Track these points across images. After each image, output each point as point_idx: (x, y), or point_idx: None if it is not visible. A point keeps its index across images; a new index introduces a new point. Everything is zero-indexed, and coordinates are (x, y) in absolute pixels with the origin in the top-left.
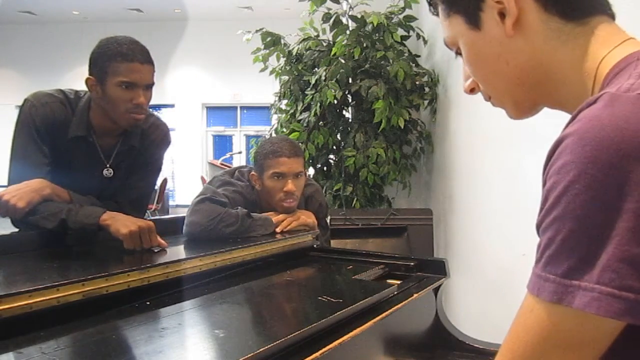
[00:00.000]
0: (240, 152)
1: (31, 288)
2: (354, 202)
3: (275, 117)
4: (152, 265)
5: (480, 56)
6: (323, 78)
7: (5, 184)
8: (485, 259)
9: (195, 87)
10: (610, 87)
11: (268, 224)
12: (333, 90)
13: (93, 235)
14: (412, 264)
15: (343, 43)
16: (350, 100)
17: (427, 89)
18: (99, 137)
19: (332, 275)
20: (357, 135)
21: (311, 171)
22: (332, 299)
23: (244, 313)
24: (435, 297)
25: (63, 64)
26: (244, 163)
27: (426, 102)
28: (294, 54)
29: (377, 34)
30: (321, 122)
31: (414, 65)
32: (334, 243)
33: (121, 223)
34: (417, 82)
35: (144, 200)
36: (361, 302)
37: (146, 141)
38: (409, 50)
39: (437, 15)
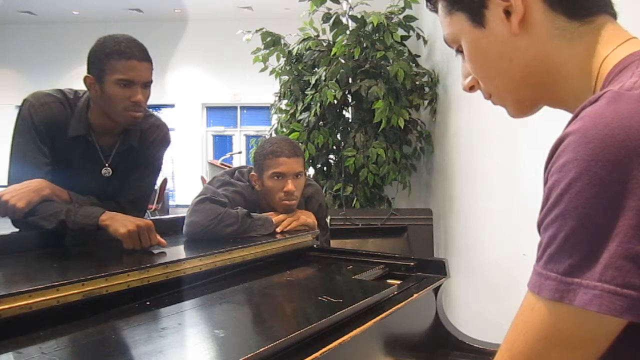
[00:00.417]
0: (240, 152)
1: (31, 288)
2: (354, 202)
3: (275, 117)
4: (152, 265)
5: (483, 54)
6: (323, 78)
7: (5, 184)
8: (485, 259)
9: (195, 87)
10: (613, 85)
11: (268, 224)
12: (333, 90)
13: (93, 236)
14: (412, 264)
15: (343, 43)
16: (350, 100)
17: (427, 89)
18: (98, 137)
19: (332, 275)
20: (357, 135)
21: (311, 171)
22: (332, 299)
23: (244, 313)
24: (435, 297)
25: (63, 64)
26: (244, 163)
27: (426, 102)
28: (294, 54)
29: (377, 34)
30: (321, 122)
31: (414, 65)
32: (334, 243)
33: (120, 223)
34: (417, 82)
35: (144, 200)
36: (361, 302)
37: (146, 141)
38: (409, 50)
39: (435, 11)
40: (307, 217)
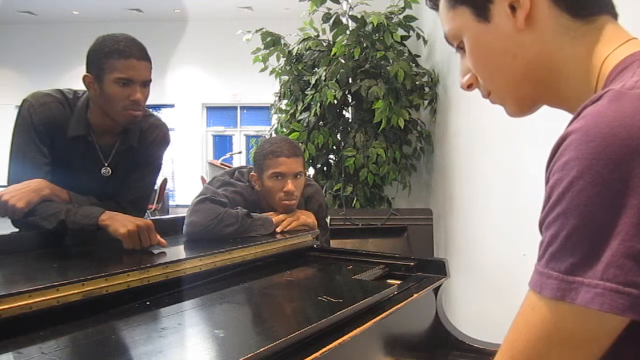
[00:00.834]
0: (240, 152)
1: (31, 288)
2: (354, 202)
3: (275, 117)
4: (151, 265)
5: (486, 49)
6: (323, 78)
7: (5, 184)
8: (485, 259)
9: (195, 87)
10: (614, 85)
11: (268, 224)
12: (333, 90)
13: (92, 236)
14: (412, 264)
15: (343, 43)
16: (350, 100)
17: (427, 89)
18: (97, 136)
19: (332, 275)
20: (357, 135)
21: (311, 171)
22: (332, 299)
23: (244, 313)
24: (435, 297)
25: (63, 64)
26: (244, 163)
27: (426, 102)
28: (294, 54)
29: (377, 34)
30: (321, 122)
31: (414, 65)
32: (334, 243)
33: (120, 223)
34: (417, 82)
35: (144, 200)
36: (361, 302)
37: (146, 141)
38: (409, 50)
39: (436, 8)
40: (307, 217)
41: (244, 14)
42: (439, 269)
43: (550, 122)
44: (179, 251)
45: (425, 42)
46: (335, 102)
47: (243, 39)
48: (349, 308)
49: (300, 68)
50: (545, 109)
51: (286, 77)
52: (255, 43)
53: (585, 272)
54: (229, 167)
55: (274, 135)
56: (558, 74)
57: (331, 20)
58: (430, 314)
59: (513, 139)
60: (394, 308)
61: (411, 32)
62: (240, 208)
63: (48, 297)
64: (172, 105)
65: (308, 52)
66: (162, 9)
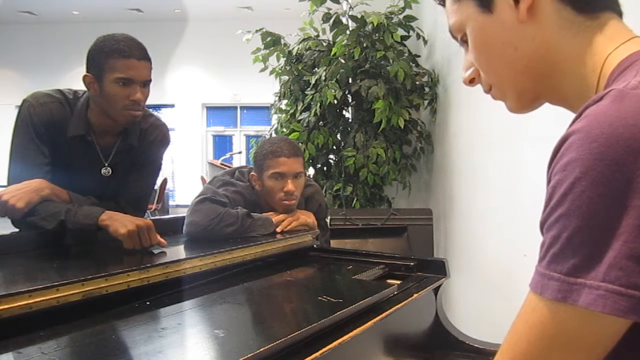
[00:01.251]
0: (240, 152)
1: (31, 288)
2: (354, 202)
3: (275, 117)
4: (151, 265)
5: (488, 41)
6: (323, 78)
7: (5, 184)
8: (485, 259)
9: (195, 87)
10: (617, 84)
11: (268, 224)
12: (333, 90)
13: (92, 236)
14: (412, 264)
15: (343, 43)
16: (350, 100)
17: (427, 89)
18: (97, 136)
19: (332, 275)
20: (357, 135)
21: (311, 171)
22: (332, 299)
23: (244, 313)
24: (435, 297)
25: (63, 64)
26: (244, 163)
27: (426, 102)
28: (294, 54)
29: (377, 34)
30: (321, 122)
31: (414, 65)
32: (334, 243)
33: (120, 223)
34: (417, 82)
35: (144, 200)
36: (361, 302)
37: (145, 141)
38: (409, 50)
39: (442, 4)
40: (307, 217)
41: (244, 14)
42: (439, 269)
43: (551, 122)
44: (179, 251)
45: (425, 42)
46: (335, 102)
47: (243, 39)
48: (349, 308)
49: (300, 68)
50: (546, 108)
51: (286, 77)
52: (255, 43)
53: (587, 273)
54: (229, 167)
55: (274, 135)
56: (558, 68)
57: (331, 20)
58: (430, 314)
59: (513, 139)
60: (394, 308)
61: (411, 32)
62: (240, 208)
63: (48, 297)
64: (172, 105)
65: (308, 52)
66: (162, 9)
